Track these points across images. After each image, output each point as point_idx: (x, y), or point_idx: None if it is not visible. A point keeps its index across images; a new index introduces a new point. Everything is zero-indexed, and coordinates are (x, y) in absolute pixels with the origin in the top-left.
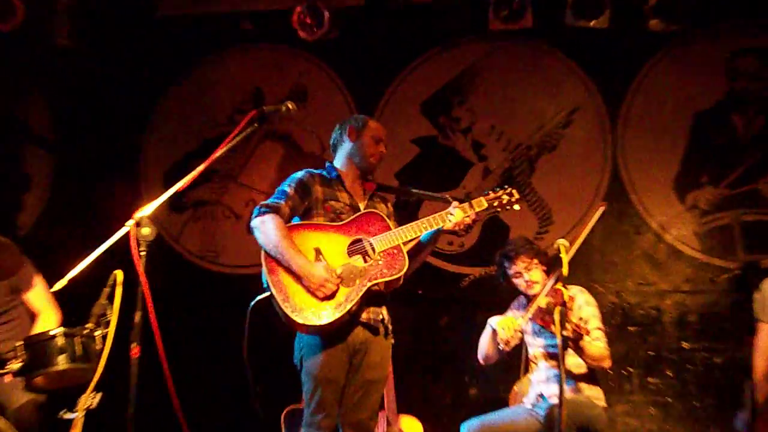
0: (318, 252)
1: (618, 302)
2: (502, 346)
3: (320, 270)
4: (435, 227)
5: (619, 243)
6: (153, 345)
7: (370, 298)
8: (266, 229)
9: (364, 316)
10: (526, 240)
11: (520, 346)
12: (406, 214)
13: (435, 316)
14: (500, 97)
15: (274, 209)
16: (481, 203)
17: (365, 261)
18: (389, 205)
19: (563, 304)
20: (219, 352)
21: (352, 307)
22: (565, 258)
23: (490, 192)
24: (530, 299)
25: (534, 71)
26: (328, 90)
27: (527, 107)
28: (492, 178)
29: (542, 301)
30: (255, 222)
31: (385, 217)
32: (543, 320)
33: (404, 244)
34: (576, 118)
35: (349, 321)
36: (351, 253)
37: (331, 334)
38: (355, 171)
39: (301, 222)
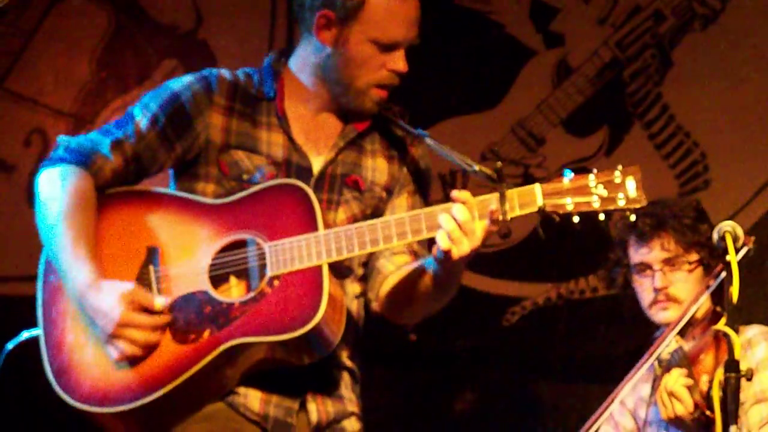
0: (151, 255)
1: None
2: None
3: (119, 295)
4: (411, 239)
5: None
6: None
7: (251, 369)
8: (49, 194)
9: (256, 406)
10: (688, 205)
11: None
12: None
13: (451, 390)
14: None
15: (82, 158)
16: (553, 199)
17: (242, 290)
18: (407, 160)
19: (735, 370)
20: None
21: (175, 385)
22: (734, 260)
23: (583, 175)
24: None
25: None
26: None
27: None
28: (574, 86)
29: (673, 345)
30: (38, 178)
31: (342, 199)
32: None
33: (334, 266)
34: None
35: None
36: (216, 267)
37: None
38: (328, 99)
39: (148, 189)
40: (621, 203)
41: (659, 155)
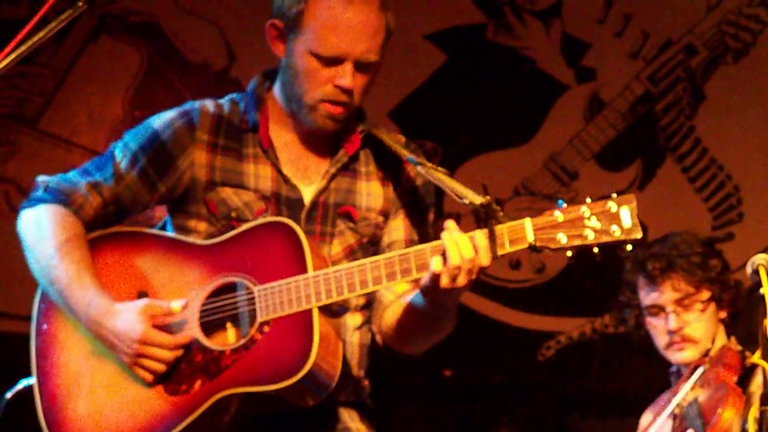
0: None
1: None
2: None
3: (136, 312)
4: (400, 279)
5: None
6: None
7: (248, 415)
8: (37, 235)
9: None
10: (695, 242)
11: None
12: None
13: (485, 425)
14: None
15: (62, 197)
16: (538, 233)
17: (234, 336)
18: (402, 179)
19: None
20: None
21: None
22: None
23: (579, 205)
24: (674, 379)
25: None
26: None
27: None
28: (606, 121)
29: (690, 396)
30: (21, 220)
31: (336, 231)
32: None
33: (327, 306)
34: None
35: None
36: (207, 313)
37: None
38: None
39: (136, 230)
40: (616, 235)
41: (692, 188)
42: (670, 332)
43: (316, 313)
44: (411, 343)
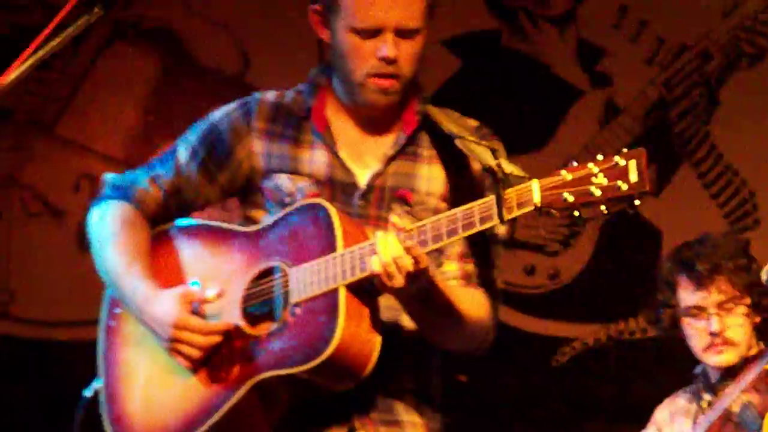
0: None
1: None
2: None
3: (173, 298)
4: (354, 275)
5: None
6: None
7: (290, 401)
8: (98, 230)
9: None
10: (739, 245)
11: None
12: None
13: (500, 431)
14: None
15: (124, 192)
16: (511, 202)
17: (267, 319)
18: (461, 163)
19: None
20: None
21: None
22: None
23: (563, 171)
24: (715, 388)
25: None
26: None
27: None
28: (621, 126)
29: (737, 403)
30: (88, 220)
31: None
32: None
33: (350, 286)
34: None
35: None
36: (249, 298)
37: None
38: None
39: (192, 222)
40: (623, 189)
41: (708, 194)
42: (712, 334)
43: (342, 291)
44: (428, 335)
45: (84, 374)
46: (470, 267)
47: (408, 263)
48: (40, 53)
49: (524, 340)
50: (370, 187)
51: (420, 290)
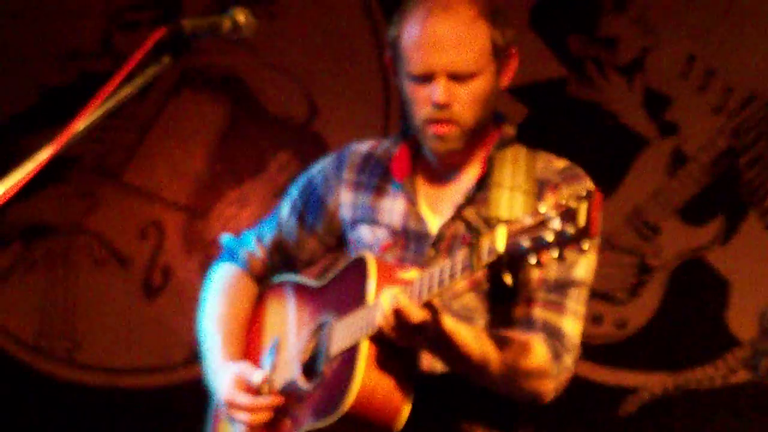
0: (276, 346)
1: None
2: None
3: (228, 375)
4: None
5: None
6: None
7: None
8: (203, 295)
9: None
10: None
11: None
12: None
13: None
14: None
15: (232, 255)
16: (480, 254)
17: (309, 375)
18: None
19: None
20: None
21: None
22: None
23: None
24: None
25: None
26: None
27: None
28: (689, 175)
29: None
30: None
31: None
32: None
33: (375, 338)
34: None
35: None
36: (307, 352)
37: None
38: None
39: (288, 278)
40: (570, 232)
41: None
42: None
43: (364, 345)
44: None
45: (146, 421)
46: (539, 312)
47: (407, 317)
48: (109, 103)
49: (590, 389)
50: (441, 235)
51: (431, 342)
